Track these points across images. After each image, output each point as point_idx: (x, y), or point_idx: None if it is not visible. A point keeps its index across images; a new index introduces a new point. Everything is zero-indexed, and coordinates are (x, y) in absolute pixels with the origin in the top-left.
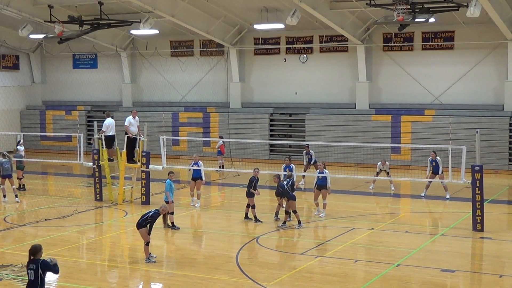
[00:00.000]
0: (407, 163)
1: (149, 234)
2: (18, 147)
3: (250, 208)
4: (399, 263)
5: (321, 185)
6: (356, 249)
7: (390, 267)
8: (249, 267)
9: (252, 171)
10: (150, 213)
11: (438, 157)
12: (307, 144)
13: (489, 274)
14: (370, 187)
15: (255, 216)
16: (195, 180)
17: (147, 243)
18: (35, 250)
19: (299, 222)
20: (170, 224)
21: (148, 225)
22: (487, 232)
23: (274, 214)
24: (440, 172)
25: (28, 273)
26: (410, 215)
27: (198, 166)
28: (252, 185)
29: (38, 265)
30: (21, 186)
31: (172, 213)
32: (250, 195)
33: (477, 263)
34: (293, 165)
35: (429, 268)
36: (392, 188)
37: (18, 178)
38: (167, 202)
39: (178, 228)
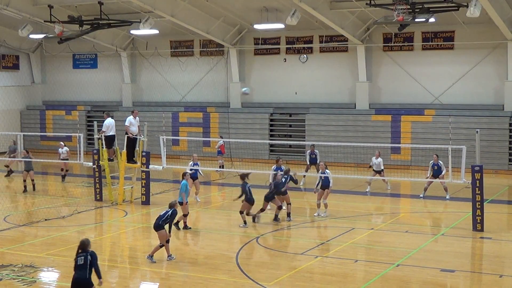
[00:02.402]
0: (407, 163)
1: (169, 232)
2: (60, 149)
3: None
4: (399, 263)
5: (325, 185)
6: (356, 249)
7: (390, 267)
8: (249, 267)
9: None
10: (169, 212)
11: (440, 161)
12: (313, 144)
13: (489, 274)
14: (367, 190)
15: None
16: (193, 180)
17: (167, 241)
18: (84, 245)
19: (276, 216)
20: (181, 226)
21: (166, 225)
22: (487, 232)
23: (287, 215)
24: (442, 173)
25: (77, 260)
26: (410, 215)
27: (198, 166)
28: (279, 188)
29: (87, 254)
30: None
31: (186, 215)
32: (271, 198)
33: (477, 263)
34: (283, 167)
35: (429, 268)
36: (388, 188)
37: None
38: (181, 204)
39: (190, 228)
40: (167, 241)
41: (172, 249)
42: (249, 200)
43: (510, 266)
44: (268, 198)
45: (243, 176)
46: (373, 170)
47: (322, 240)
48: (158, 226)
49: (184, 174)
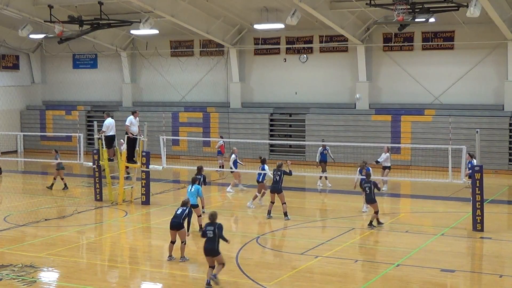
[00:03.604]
0: (407, 163)
1: (188, 230)
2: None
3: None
4: (399, 263)
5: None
6: (356, 249)
7: (390, 267)
8: (249, 267)
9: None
10: (186, 211)
11: (474, 160)
12: (323, 140)
13: (489, 274)
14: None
15: (377, 220)
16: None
17: (185, 242)
18: (213, 217)
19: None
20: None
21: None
22: (487, 232)
23: (267, 213)
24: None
25: (207, 233)
26: (410, 215)
27: (234, 158)
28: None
29: (215, 227)
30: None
31: (200, 216)
32: (373, 200)
33: (477, 263)
34: (266, 166)
35: (429, 268)
36: (383, 189)
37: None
38: (196, 206)
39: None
40: (185, 243)
41: (173, 249)
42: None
43: (510, 266)
44: (372, 200)
45: (199, 169)
46: (382, 165)
47: (322, 240)
48: (179, 225)
49: (196, 180)
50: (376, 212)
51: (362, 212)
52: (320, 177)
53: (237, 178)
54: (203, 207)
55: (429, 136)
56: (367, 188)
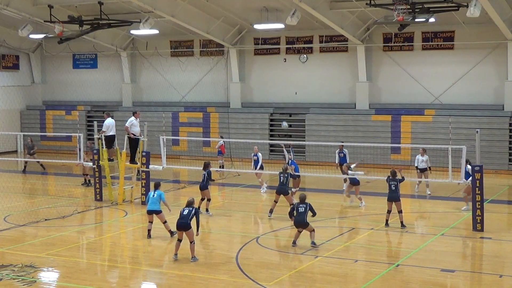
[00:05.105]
0: (407, 163)
1: (197, 230)
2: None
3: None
4: (399, 263)
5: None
6: (356, 249)
7: (390, 267)
8: (249, 267)
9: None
10: (193, 211)
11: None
12: (342, 142)
13: (489, 274)
14: (416, 190)
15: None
16: (255, 168)
17: (193, 242)
18: (304, 197)
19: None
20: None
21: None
22: (487, 232)
23: (269, 211)
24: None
25: (299, 209)
26: (410, 215)
27: (257, 158)
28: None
29: (306, 205)
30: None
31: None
32: (397, 198)
33: (477, 263)
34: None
35: (429, 268)
36: (428, 192)
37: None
38: (159, 212)
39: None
40: (193, 242)
41: (172, 249)
42: (200, 187)
43: (510, 266)
44: (395, 198)
45: (206, 165)
46: (418, 169)
47: (322, 240)
48: (186, 225)
49: (158, 185)
50: (400, 211)
51: (359, 206)
52: (345, 180)
53: (259, 178)
54: (207, 210)
55: (429, 136)
56: (392, 185)
